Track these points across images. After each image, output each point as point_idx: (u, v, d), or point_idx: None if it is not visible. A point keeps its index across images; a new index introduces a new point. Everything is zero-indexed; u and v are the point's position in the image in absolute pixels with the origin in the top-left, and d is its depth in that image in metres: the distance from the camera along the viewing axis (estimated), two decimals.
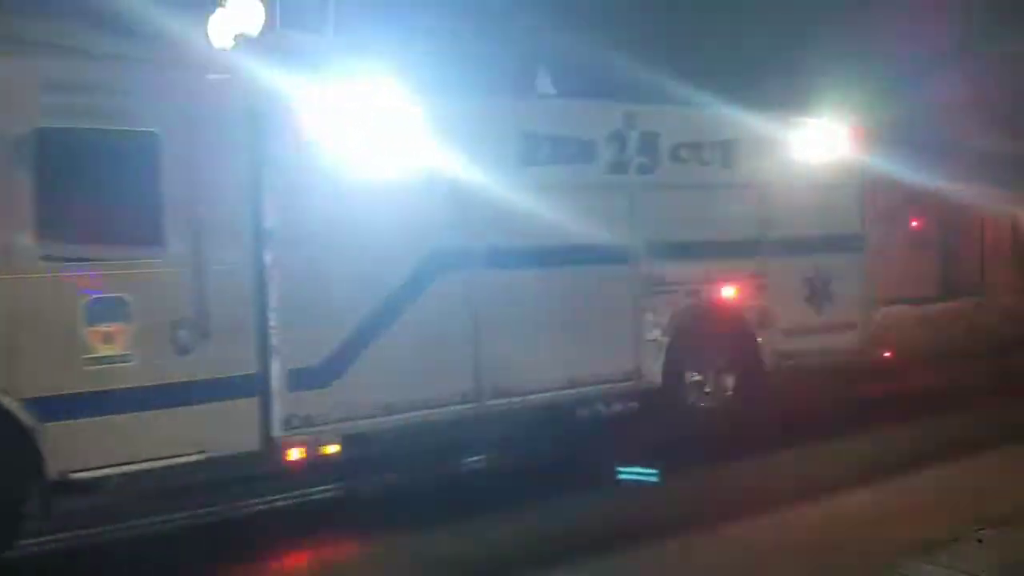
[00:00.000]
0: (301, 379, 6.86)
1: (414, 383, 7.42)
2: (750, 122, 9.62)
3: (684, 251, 9.16)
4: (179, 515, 7.14)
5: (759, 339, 9.63)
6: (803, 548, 6.34)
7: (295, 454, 6.82)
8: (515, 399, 8.00)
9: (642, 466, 7.88)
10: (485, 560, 6.35)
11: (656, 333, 8.93)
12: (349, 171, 7.15)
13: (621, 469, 7.92)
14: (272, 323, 6.77)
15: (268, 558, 6.50)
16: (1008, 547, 6.17)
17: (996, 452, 8.62)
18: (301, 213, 6.90)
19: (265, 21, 14.29)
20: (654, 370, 8.90)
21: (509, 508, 7.21)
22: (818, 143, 10.05)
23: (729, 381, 9.53)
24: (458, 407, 7.70)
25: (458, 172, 7.61)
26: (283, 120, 6.89)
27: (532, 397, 8.11)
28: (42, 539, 6.42)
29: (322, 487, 7.66)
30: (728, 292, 9.47)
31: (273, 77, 6.80)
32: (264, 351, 6.74)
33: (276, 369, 6.76)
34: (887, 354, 11.04)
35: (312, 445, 6.89)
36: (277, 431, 6.76)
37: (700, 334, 9.26)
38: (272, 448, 6.77)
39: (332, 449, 6.98)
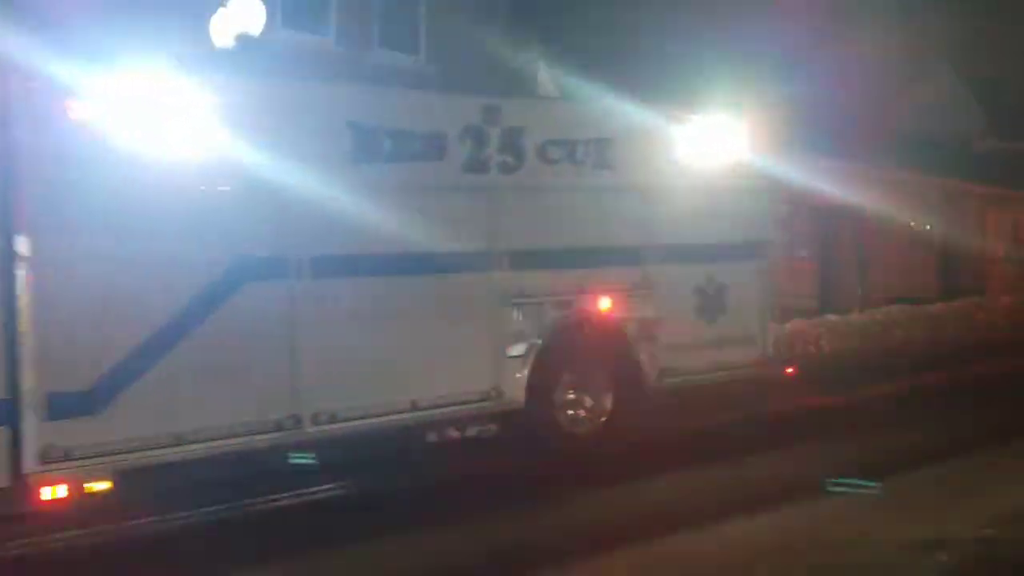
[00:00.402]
0: (62, 406, 5.94)
1: (212, 409, 6.52)
2: (631, 117, 8.72)
3: (553, 259, 8.27)
4: None
5: (641, 355, 8.71)
6: None
7: (52, 492, 5.91)
8: (343, 425, 7.09)
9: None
10: None
11: (519, 349, 8.03)
12: (127, 169, 6.22)
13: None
14: (26, 341, 5.88)
15: None
16: None
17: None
18: (62, 216, 5.99)
19: (266, 21, 13.64)
20: (516, 390, 7.98)
21: (317, 546, 6.38)
22: (711, 141, 9.11)
23: (606, 401, 8.62)
24: (271, 435, 6.78)
25: (269, 169, 6.71)
26: (43, 109, 6.00)
27: (364, 422, 7.20)
28: None
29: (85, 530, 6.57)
30: (605, 304, 8.56)
31: (31, 60, 5.93)
32: (14, 373, 5.85)
33: (29, 394, 5.86)
34: (789, 370, 10.07)
35: (75, 482, 6.00)
36: (30, 466, 5.88)
37: (571, 350, 8.39)
38: (22, 485, 5.89)
39: (101, 486, 6.08)
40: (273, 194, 6.76)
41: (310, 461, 7.35)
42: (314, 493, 7.43)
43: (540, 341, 8.11)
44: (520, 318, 8.03)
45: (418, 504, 7.24)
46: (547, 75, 19.77)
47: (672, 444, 8.85)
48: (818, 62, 19.90)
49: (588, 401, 8.57)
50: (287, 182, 6.79)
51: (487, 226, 7.90)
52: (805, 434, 9.35)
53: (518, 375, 7.99)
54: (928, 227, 24.76)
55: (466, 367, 7.75)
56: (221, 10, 13.25)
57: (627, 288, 8.68)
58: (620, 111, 8.77)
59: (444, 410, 7.65)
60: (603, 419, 8.60)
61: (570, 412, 8.49)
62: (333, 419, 7.03)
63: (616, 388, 8.64)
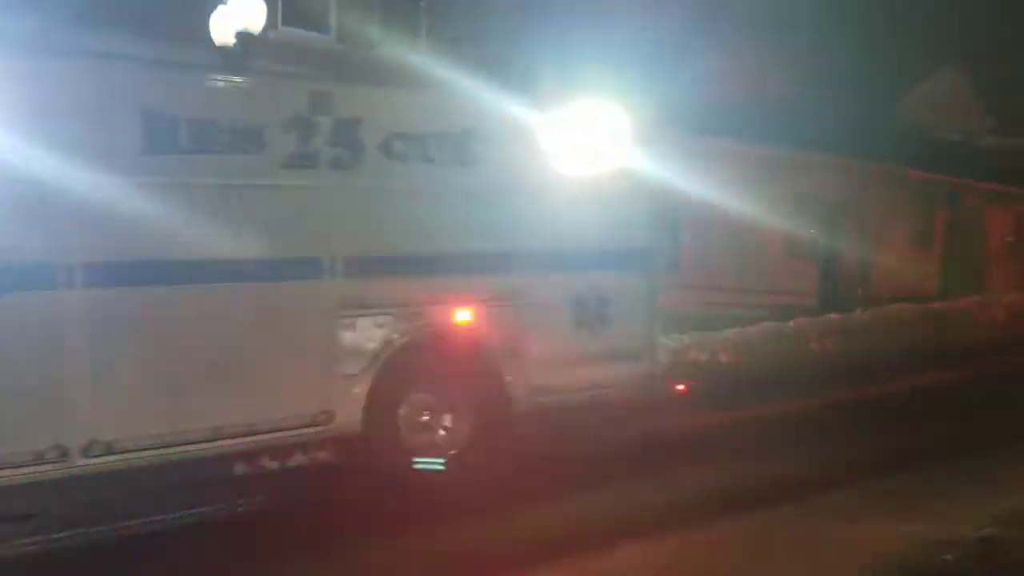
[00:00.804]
0: None
1: None
2: (498, 109, 7.69)
3: (399, 266, 7.27)
4: None
5: (507, 373, 7.70)
6: None
7: None
8: (123, 457, 6.11)
9: None
10: None
11: (356, 367, 7.02)
12: None
13: None
14: None
15: None
16: None
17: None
18: None
19: (267, 18, 13.17)
20: (352, 413, 6.98)
21: None
22: (592, 139, 8.08)
23: (465, 425, 7.60)
24: (29, 469, 5.85)
25: (35, 162, 5.77)
26: None
27: (150, 453, 6.21)
28: None
29: None
30: (463, 316, 7.56)
31: None
32: None
33: None
34: (680, 387, 9.01)
35: None
36: None
37: (422, 368, 7.38)
38: None
39: None
40: (38, 191, 5.83)
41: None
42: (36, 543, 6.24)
43: (383, 358, 7.10)
44: (357, 332, 7.01)
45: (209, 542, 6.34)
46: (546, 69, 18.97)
47: (536, 471, 7.83)
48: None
49: (444, 424, 7.57)
50: (56, 177, 5.85)
51: (316, 229, 6.91)
52: (676, 459, 8.51)
53: (354, 396, 6.98)
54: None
55: (288, 388, 6.74)
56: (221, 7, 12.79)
57: (491, 298, 7.68)
58: (484, 102, 7.76)
59: (257, 438, 6.63)
60: (462, 444, 7.58)
61: (422, 437, 7.46)
62: (110, 450, 6.04)
63: (478, 409, 7.62)
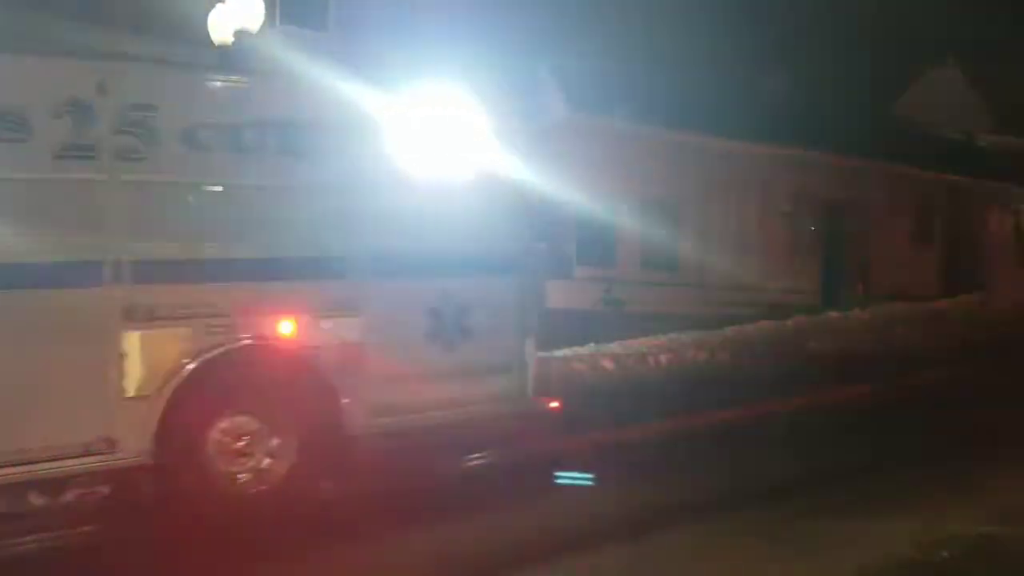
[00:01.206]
0: None
1: None
2: (337, 99, 6.76)
3: (204, 272, 6.32)
4: None
5: (341, 391, 6.75)
6: None
7: None
8: None
9: None
10: None
11: (144, 388, 6.07)
12: None
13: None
14: None
15: None
16: None
17: None
18: None
19: (265, 17, 12.70)
20: (138, 441, 6.03)
21: None
22: (453, 132, 7.22)
23: (289, 451, 6.61)
24: None
25: None
26: None
27: None
28: None
29: None
30: (288, 328, 6.60)
31: None
32: None
33: None
34: (553, 404, 8.04)
35: None
36: None
37: (235, 388, 6.44)
38: None
39: None
40: None
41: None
42: None
43: (181, 376, 6.15)
44: (146, 347, 6.07)
45: None
46: (547, 69, 18.44)
47: (364, 501, 6.88)
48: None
49: (263, 451, 6.58)
50: None
51: (95, 229, 5.96)
52: (532, 486, 7.50)
53: (141, 421, 6.03)
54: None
55: (56, 412, 5.80)
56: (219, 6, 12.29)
57: (324, 308, 6.76)
58: (322, 91, 6.81)
59: (22, 469, 5.73)
60: (284, 473, 6.60)
61: (241, 465, 6.49)
62: None
63: (306, 434, 6.65)
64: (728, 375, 13.70)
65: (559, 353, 13.67)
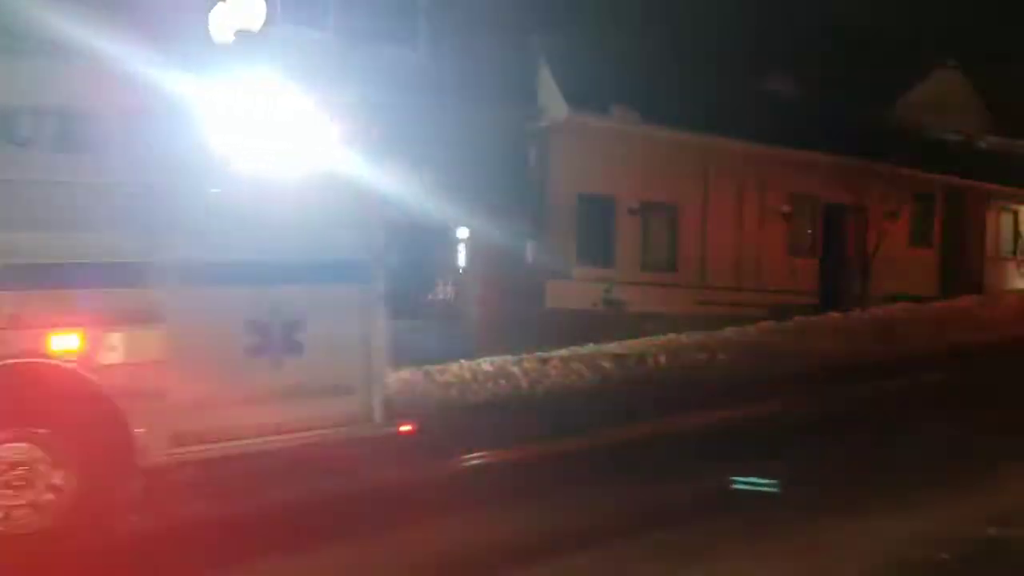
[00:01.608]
0: None
1: None
2: (127, 82, 6.05)
3: None
4: None
5: (134, 418, 5.92)
6: None
7: None
8: None
9: None
10: None
11: None
12: None
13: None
14: None
15: None
16: None
17: None
18: None
19: (266, 16, 12.64)
20: None
21: None
22: (282, 122, 6.63)
23: (72, 486, 5.81)
24: None
25: None
26: None
27: None
28: None
29: None
30: (65, 343, 5.79)
31: None
32: None
33: None
34: (406, 428, 7.18)
35: None
36: None
37: None
38: None
39: None
40: None
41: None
42: None
43: None
44: None
45: None
46: (547, 69, 18.27)
47: (150, 541, 6.15)
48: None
49: (43, 484, 5.75)
50: None
51: None
52: (368, 522, 6.64)
53: None
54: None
55: None
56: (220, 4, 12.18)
57: (112, 320, 5.93)
58: (110, 75, 6.03)
59: None
60: (69, 509, 5.80)
61: (15, 499, 5.66)
62: None
63: (90, 464, 5.83)
64: (719, 376, 13.48)
65: (557, 353, 13.56)
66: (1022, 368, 13.97)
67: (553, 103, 18.31)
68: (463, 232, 18.65)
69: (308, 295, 6.72)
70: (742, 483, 7.09)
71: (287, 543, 6.04)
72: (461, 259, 19.11)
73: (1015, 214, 28.35)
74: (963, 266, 26.36)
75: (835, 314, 19.01)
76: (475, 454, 8.69)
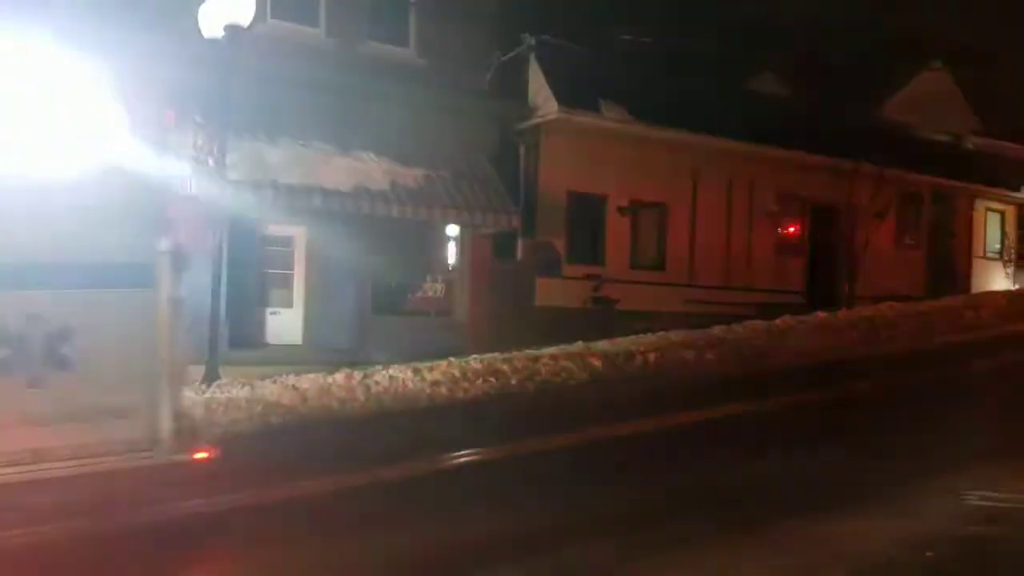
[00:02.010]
0: None
1: None
2: None
3: None
4: None
5: None
6: None
7: None
8: None
9: None
10: None
11: None
12: None
13: None
14: None
15: None
16: None
17: None
18: None
19: (256, 12, 12.38)
20: None
21: None
22: (45, 105, 5.82)
23: None
24: None
25: None
26: None
27: None
28: None
29: None
30: None
31: None
32: None
33: None
34: (202, 455, 6.22)
35: None
36: None
37: None
38: None
39: None
40: None
41: None
42: None
43: None
44: None
45: None
46: (538, 67, 18.19)
47: None
48: None
49: None
50: None
51: None
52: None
53: None
54: None
55: None
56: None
57: None
58: None
59: None
60: None
61: None
62: None
63: None
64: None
65: (547, 351, 13.47)
66: (999, 367, 14.01)
67: (544, 101, 18.23)
68: (453, 230, 18.57)
69: (82, 302, 5.82)
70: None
71: None
72: (451, 257, 19.04)
73: (1001, 214, 28.36)
74: (950, 266, 26.38)
75: (822, 314, 18.96)
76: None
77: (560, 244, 19.10)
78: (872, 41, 26.41)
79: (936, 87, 27.46)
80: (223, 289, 12.53)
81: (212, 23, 11.81)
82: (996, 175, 26.22)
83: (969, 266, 26.94)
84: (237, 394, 10.84)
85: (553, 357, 13.28)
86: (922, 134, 25.39)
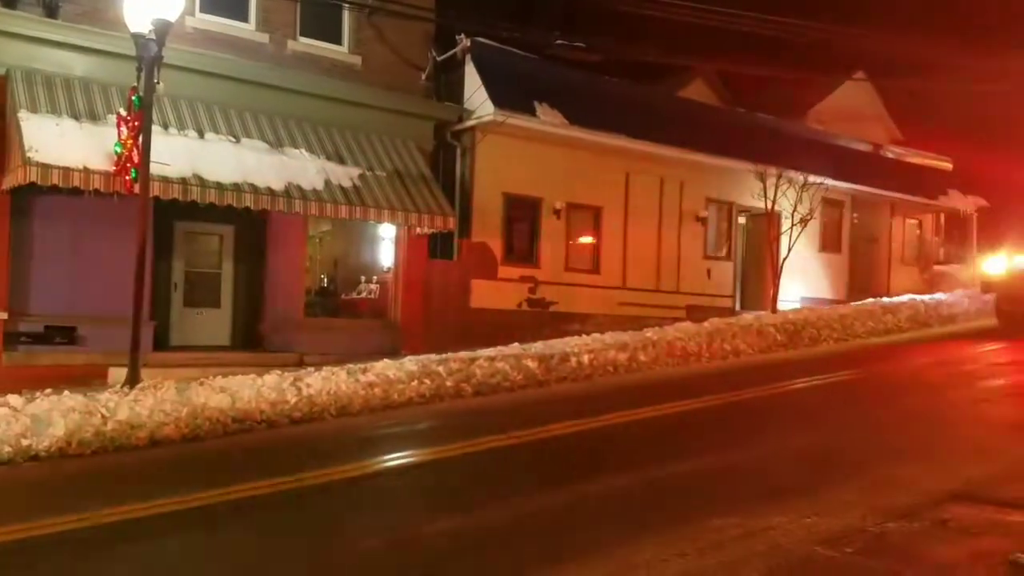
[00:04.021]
0: None
1: None
2: None
3: None
4: None
5: None
6: None
7: None
8: None
9: None
10: None
11: None
12: None
13: None
14: None
15: None
16: None
17: None
18: None
19: (184, 5, 11.53)
20: None
21: None
22: None
23: None
24: None
25: None
26: None
27: None
28: None
29: None
30: None
31: None
32: None
33: None
34: None
35: None
36: None
37: None
38: None
39: None
40: None
41: None
42: None
43: None
44: None
45: None
46: (474, 69, 17.69)
47: None
48: None
49: None
50: None
51: None
52: None
53: None
54: None
55: None
56: None
57: None
58: None
59: None
60: None
61: None
62: None
63: None
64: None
65: (484, 352, 13.05)
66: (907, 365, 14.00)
67: (480, 103, 17.79)
68: (389, 230, 18.04)
69: None
70: None
71: None
72: (387, 257, 18.51)
73: (919, 223, 28.86)
74: (870, 271, 26.75)
75: (748, 316, 18.97)
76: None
77: (496, 246, 18.67)
78: (797, 51, 26.60)
79: (858, 98, 27.74)
80: (146, 289, 11.80)
81: (138, 17, 11.07)
82: (914, 185, 26.59)
83: (889, 271, 27.37)
84: (162, 397, 10.12)
85: (489, 359, 12.81)
86: (844, 143, 25.60)
